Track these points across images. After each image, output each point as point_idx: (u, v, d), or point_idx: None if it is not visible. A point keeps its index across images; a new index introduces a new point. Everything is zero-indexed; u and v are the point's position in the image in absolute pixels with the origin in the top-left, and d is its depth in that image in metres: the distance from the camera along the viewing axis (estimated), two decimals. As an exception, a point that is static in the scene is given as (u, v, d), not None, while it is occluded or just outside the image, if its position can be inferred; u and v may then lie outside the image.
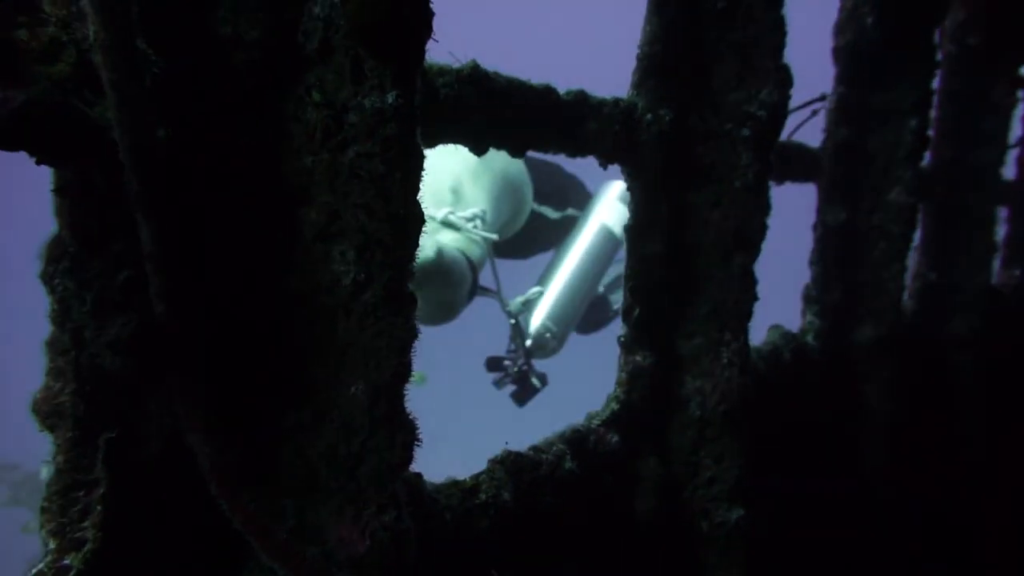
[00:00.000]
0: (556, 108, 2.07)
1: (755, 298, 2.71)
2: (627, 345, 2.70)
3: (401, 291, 1.16)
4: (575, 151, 2.25)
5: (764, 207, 2.59)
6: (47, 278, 1.00)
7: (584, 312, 5.84)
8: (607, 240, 5.08)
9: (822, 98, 3.94)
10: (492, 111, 1.79)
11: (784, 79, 2.40)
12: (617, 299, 6.13)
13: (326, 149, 1.10)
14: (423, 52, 1.14)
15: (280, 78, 1.09)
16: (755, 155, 2.48)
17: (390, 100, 1.07)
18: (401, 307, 1.15)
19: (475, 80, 1.70)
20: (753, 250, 2.63)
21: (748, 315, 2.72)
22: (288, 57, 1.08)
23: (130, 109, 0.87)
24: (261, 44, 1.05)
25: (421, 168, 1.16)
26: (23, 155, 0.94)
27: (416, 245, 1.17)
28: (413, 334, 1.18)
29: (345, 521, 1.14)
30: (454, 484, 1.83)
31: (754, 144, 2.45)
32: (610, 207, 5.17)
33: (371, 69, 1.06)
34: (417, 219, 1.15)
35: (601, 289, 6.12)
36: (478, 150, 1.84)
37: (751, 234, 2.60)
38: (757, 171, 2.50)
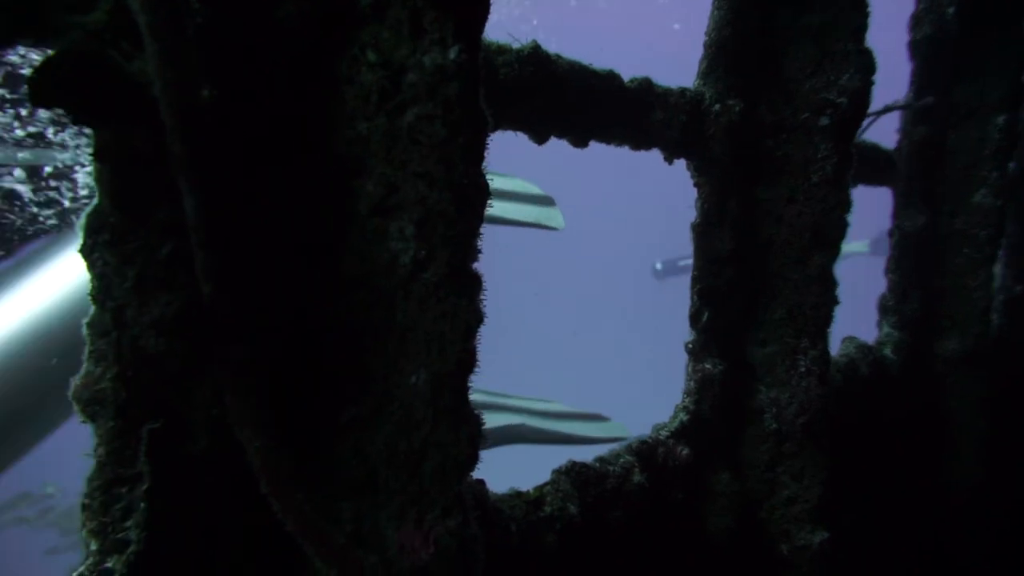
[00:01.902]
0: (620, 95, 1.96)
1: (835, 301, 2.51)
2: (695, 352, 2.54)
3: (465, 269, 1.05)
4: (639, 142, 2.13)
5: (845, 202, 2.40)
6: (86, 252, 0.94)
7: None
8: None
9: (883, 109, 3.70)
10: (554, 95, 1.68)
11: (867, 63, 2.23)
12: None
13: (383, 113, 1.01)
14: (488, 2, 1.04)
15: (331, 37, 1.01)
16: (835, 146, 2.31)
17: (452, 56, 0.98)
18: (465, 287, 1.04)
19: (536, 61, 1.60)
20: (833, 249, 2.44)
21: (828, 320, 2.52)
22: (340, 13, 1.00)
23: (171, 61, 0.80)
24: (312, -1, 0.97)
25: (486, 133, 1.06)
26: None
27: (481, 218, 1.07)
28: (479, 317, 1.07)
29: (407, 525, 1.03)
30: (517, 495, 1.70)
31: (834, 134, 2.28)
32: None
33: (431, 22, 0.97)
34: (482, 189, 1.05)
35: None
36: (539, 137, 1.73)
37: (830, 231, 2.42)
38: (836, 163, 2.32)
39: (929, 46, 3.50)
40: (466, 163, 1.01)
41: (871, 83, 2.26)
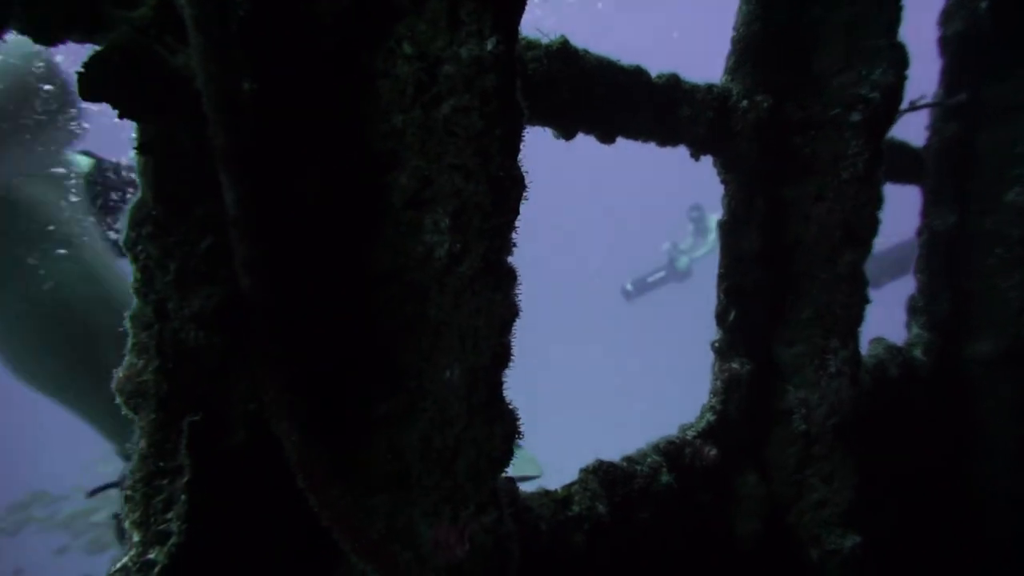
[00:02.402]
0: (647, 91, 1.94)
1: (866, 300, 2.47)
2: (722, 351, 2.51)
3: (500, 262, 1.04)
4: (666, 139, 2.10)
5: (876, 199, 2.36)
6: (130, 244, 0.94)
7: None
8: None
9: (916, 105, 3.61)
10: (581, 90, 1.67)
11: (900, 58, 2.19)
12: None
13: (418, 105, 1.01)
14: (525, -5, 1.03)
15: (368, 29, 1.01)
16: (866, 142, 2.27)
17: (489, 47, 0.97)
18: (501, 281, 1.04)
19: (565, 56, 1.59)
20: (864, 247, 2.40)
21: (858, 320, 2.48)
22: (376, 6, 0.99)
23: (214, 54, 0.80)
24: (350, -9, 0.97)
25: (522, 126, 1.05)
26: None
27: (517, 211, 1.06)
28: (514, 311, 1.06)
29: (442, 522, 1.02)
30: (544, 493, 1.69)
31: (865, 130, 2.24)
32: None
33: (469, 13, 0.97)
34: (518, 182, 1.04)
35: None
36: (566, 133, 1.72)
37: (861, 229, 2.37)
38: (868, 159, 2.28)
39: (960, 42, 3.44)
40: (502, 155, 1.00)
41: (904, 78, 2.22)
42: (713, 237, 18.71)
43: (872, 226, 2.36)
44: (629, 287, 19.10)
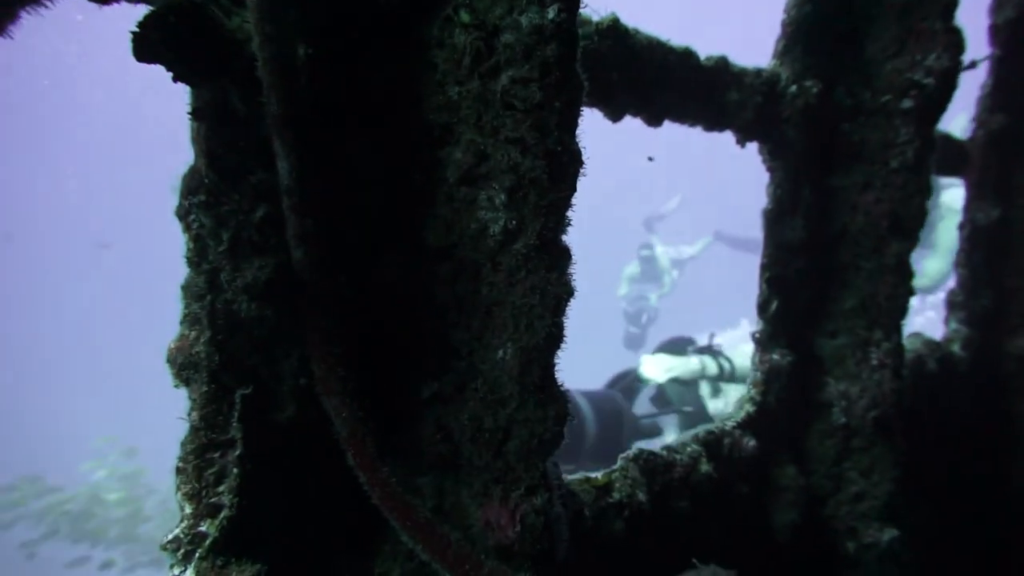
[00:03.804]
0: (696, 73, 1.89)
1: (912, 292, 2.40)
2: (763, 342, 2.46)
3: (556, 240, 1.01)
4: (714, 122, 2.05)
5: (925, 189, 2.29)
6: (182, 213, 0.93)
7: None
8: None
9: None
10: (631, 70, 1.63)
11: (956, 42, 2.10)
12: None
13: (475, 76, 0.97)
14: (589, -39, 1.00)
15: (425, -2, 0.98)
16: (916, 130, 2.19)
17: (551, 16, 0.93)
18: (556, 259, 1.01)
19: (615, 35, 1.55)
20: (911, 238, 2.33)
21: (903, 312, 2.41)
22: (435, -27, 0.96)
23: (271, 15, 0.78)
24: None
25: (581, 98, 1.01)
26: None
27: (574, 187, 1.03)
28: (569, 290, 1.03)
29: (491, 503, 1.00)
30: (585, 480, 1.66)
31: (917, 117, 2.17)
32: None
33: (530, -20, 0.93)
34: (576, 157, 1.01)
35: None
36: (614, 114, 1.68)
37: (909, 220, 2.30)
38: (918, 148, 2.21)
39: (1012, 30, 3.31)
40: (560, 129, 0.97)
41: (960, 64, 2.14)
42: (668, 278, 17.77)
43: (920, 216, 2.29)
44: (636, 330, 17.47)
